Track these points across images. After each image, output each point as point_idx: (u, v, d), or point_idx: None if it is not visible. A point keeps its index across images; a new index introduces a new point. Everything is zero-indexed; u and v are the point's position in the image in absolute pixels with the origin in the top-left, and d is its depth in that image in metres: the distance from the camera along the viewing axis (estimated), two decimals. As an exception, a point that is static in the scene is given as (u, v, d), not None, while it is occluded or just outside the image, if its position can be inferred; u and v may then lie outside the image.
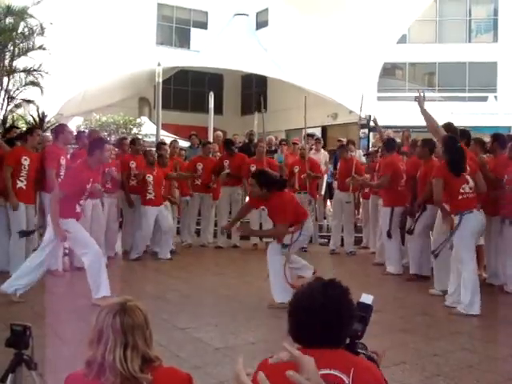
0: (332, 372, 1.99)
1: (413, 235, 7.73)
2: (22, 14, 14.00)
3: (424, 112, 6.81)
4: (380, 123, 10.56)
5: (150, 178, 9.40)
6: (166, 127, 18.49)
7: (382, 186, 8.69)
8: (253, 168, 10.42)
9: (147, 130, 19.49)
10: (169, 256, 9.48)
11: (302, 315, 2.08)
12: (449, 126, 7.17)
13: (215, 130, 15.05)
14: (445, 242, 6.35)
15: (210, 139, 14.07)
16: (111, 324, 2.04)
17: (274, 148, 13.15)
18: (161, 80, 15.40)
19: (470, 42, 25.44)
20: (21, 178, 7.61)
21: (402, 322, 5.72)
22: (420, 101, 6.85)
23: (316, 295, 2.08)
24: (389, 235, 8.28)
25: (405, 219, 8.17)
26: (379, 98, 23.18)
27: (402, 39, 23.37)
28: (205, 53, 26.17)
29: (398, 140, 11.26)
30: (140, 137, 12.18)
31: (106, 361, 2.00)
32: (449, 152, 6.28)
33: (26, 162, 7.62)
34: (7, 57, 14.18)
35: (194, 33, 28.42)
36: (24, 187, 7.63)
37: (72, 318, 5.66)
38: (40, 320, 5.24)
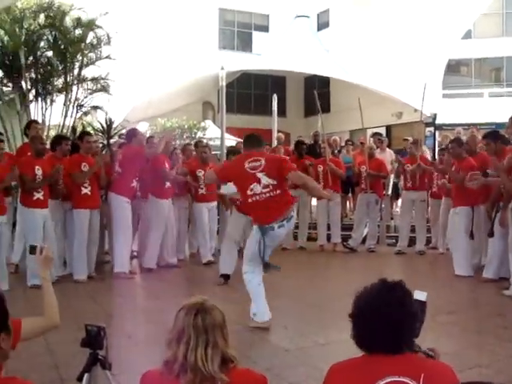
0: (401, 379, 1.94)
1: (493, 237, 7.43)
2: (90, 25, 14.41)
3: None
4: (446, 121, 10.29)
5: (201, 173, 9.26)
6: (230, 130, 18.61)
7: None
8: (320, 169, 10.43)
9: (211, 133, 19.68)
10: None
11: (366, 317, 2.04)
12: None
13: (279, 132, 15.04)
14: None
15: (274, 141, 14.07)
16: (193, 323, 2.06)
17: (339, 149, 13.07)
18: (224, 84, 15.50)
19: (539, 34, 24.60)
20: (85, 185, 7.74)
21: (476, 323, 5.55)
22: None
23: (379, 297, 2.04)
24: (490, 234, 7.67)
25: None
26: (444, 96, 22.68)
27: (467, 34, 22.81)
28: (267, 55, 26.23)
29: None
30: (205, 140, 12.30)
31: (188, 360, 2.02)
32: None
33: (85, 168, 7.76)
34: (76, 66, 14.62)
35: (256, 36, 28.55)
36: (89, 193, 7.78)
37: (142, 319, 5.77)
38: (111, 321, 5.36)
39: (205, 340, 2.04)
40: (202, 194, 9.30)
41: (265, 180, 5.15)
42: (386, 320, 1.98)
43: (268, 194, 5.14)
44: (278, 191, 5.16)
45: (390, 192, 12.33)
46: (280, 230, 5.22)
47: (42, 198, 7.31)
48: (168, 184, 8.62)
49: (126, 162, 8.06)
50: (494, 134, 7.47)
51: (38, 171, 7.29)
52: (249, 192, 5.18)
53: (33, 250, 2.91)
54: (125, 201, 7.97)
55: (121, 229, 7.98)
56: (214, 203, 9.52)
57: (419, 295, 2.25)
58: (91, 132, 11.28)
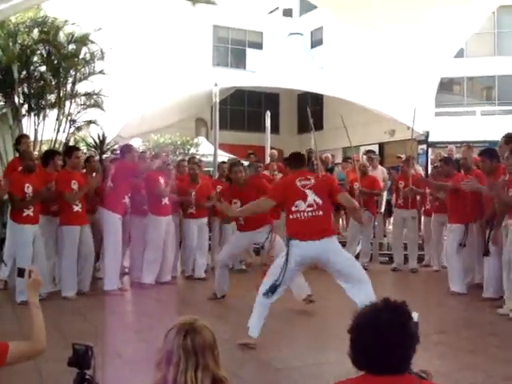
0: None
1: (489, 256, 7.39)
2: (83, 41, 14.43)
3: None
4: (439, 139, 10.34)
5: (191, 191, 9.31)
6: (223, 147, 18.63)
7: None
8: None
9: (204, 150, 19.67)
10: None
11: (365, 337, 2.00)
12: (508, 137, 6.99)
13: (272, 148, 15.06)
14: None
15: (267, 158, 14.06)
16: (182, 345, 2.01)
17: (330, 166, 13.05)
18: (217, 100, 15.54)
19: (530, 53, 24.79)
20: (76, 202, 7.63)
21: (469, 343, 5.49)
22: None
23: (379, 316, 2.00)
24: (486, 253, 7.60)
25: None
26: (437, 114, 22.78)
27: (460, 53, 22.95)
28: (261, 73, 26.33)
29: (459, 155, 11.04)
30: (198, 157, 12.27)
31: (178, 382, 1.97)
32: None
33: (75, 186, 7.66)
34: (69, 82, 14.62)
35: (250, 53, 28.66)
36: (80, 210, 7.68)
37: (132, 337, 5.69)
38: (101, 339, 5.28)
39: (195, 362, 1.99)
40: (191, 212, 9.34)
41: (311, 198, 5.10)
42: (387, 341, 1.94)
43: (310, 214, 5.08)
44: (321, 212, 5.07)
45: (383, 209, 12.31)
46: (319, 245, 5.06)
47: (32, 214, 7.23)
48: (165, 201, 8.57)
49: (117, 177, 8.01)
50: (490, 152, 7.48)
51: (28, 189, 7.20)
52: (293, 208, 5.13)
53: (21, 273, 2.85)
54: (116, 217, 7.90)
55: (111, 245, 7.91)
56: (204, 220, 9.52)
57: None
58: (80, 147, 11.20)
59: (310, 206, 5.09)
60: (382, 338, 1.94)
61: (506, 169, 6.72)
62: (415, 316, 2.21)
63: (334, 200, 5.29)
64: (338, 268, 5.16)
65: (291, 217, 5.18)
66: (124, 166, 8.14)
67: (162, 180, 8.59)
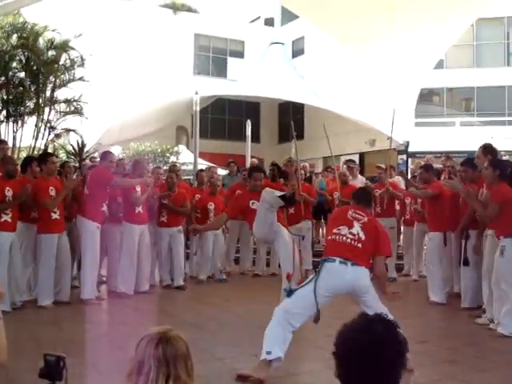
0: None
1: (468, 266, 7.41)
2: (63, 47, 14.31)
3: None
4: (418, 149, 10.40)
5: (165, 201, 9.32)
6: (203, 155, 18.58)
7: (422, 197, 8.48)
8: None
9: (185, 158, 19.61)
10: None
11: (348, 356, 1.89)
12: (489, 148, 7.04)
13: (252, 157, 15.04)
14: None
15: (248, 167, 14.03)
16: (153, 354, 1.95)
17: (308, 175, 13.04)
18: (198, 108, 15.49)
19: (508, 65, 25.11)
20: (54, 209, 7.52)
21: (448, 353, 5.48)
22: None
23: (361, 332, 1.92)
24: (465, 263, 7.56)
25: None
26: (417, 124, 22.96)
27: (439, 64, 23.17)
28: (242, 81, 26.36)
29: (438, 165, 11.10)
30: (178, 165, 12.20)
31: None
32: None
33: (52, 192, 7.56)
34: (49, 88, 14.48)
35: (231, 62, 28.70)
36: (58, 217, 7.57)
37: (108, 346, 5.60)
38: (75, 348, 5.19)
39: (166, 372, 1.93)
40: (163, 220, 9.31)
41: (356, 230, 4.86)
42: (365, 357, 1.86)
43: (349, 241, 4.80)
44: (360, 245, 4.76)
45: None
46: (340, 268, 4.68)
47: (9, 220, 7.10)
48: (139, 209, 8.50)
49: (93, 184, 7.93)
50: (472, 162, 7.53)
51: (8, 192, 7.08)
52: (335, 230, 4.92)
53: None
54: (94, 225, 7.80)
55: (89, 254, 7.81)
56: (176, 228, 9.44)
57: None
58: (58, 154, 11.10)
59: (351, 234, 4.84)
60: (373, 356, 1.86)
61: (484, 179, 6.75)
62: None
63: (373, 253, 4.91)
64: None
65: (329, 237, 4.99)
66: (99, 173, 8.07)
67: (138, 188, 8.51)
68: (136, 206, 8.43)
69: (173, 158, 20.50)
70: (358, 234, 4.84)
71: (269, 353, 4.49)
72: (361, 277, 4.70)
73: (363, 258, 4.79)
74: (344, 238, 4.83)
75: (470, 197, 6.63)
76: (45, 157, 8.10)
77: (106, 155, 8.42)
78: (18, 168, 7.94)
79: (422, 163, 11.48)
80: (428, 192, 8.24)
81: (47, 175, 7.69)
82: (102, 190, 8.00)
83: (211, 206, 9.92)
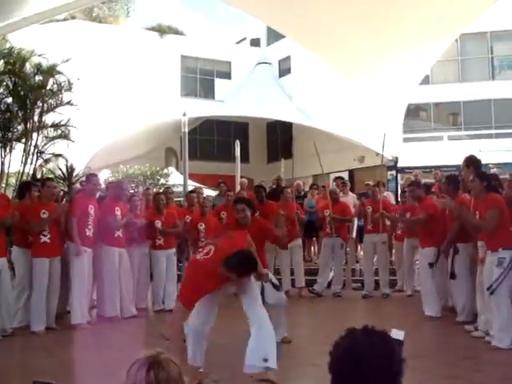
0: None
1: (456, 279, 7.44)
2: (50, 72, 14.28)
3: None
4: (407, 164, 10.48)
5: (158, 224, 9.30)
6: (193, 177, 18.54)
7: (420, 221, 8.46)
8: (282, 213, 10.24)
9: (174, 180, 19.55)
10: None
11: (343, 371, 1.83)
12: (472, 159, 7.10)
13: (242, 178, 15.02)
14: (501, 276, 6.09)
15: (237, 187, 14.01)
16: (145, 379, 1.89)
17: (302, 193, 13.05)
18: (187, 130, 15.48)
19: (493, 79, 25.33)
20: (44, 232, 7.53)
21: (445, 368, 5.44)
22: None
23: (357, 345, 1.88)
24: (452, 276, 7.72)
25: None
26: (405, 140, 23.05)
27: (425, 80, 23.35)
28: (229, 102, 26.41)
29: (428, 180, 11.15)
30: (171, 188, 12.14)
31: None
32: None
33: (45, 215, 7.55)
34: (36, 113, 14.42)
35: (218, 83, 28.76)
36: (48, 241, 7.55)
37: (99, 371, 5.51)
38: (67, 374, 5.11)
39: None
40: (160, 243, 9.27)
41: None
42: (362, 371, 1.81)
43: None
44: None
45: (354, 235, 12.30)
46: None
47: None
48: (118, 233, 8.43)
49: (75, 209, 7.90)
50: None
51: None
52: None
53: None
54: (82, 249, 7.74)
55: (77, 279, 7.75)
56: (172, 250, 9.45)
57: (396, 334, 2.12)
58: (52, 177, 11.04)
59: None
60: (358, 371, 1.82)
61: (471, 191, 6.77)
62: (401, 335, 2.12)
63: None
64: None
65: None
66: (79, 197, 8.14)
67: (118, 211, 8.46)
68: (115, 230, 8.37)
69: (162, 180, 20.44)
70: None
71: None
72: None
73: None
74: None
75: (465, 213, 6.64)
76: (43, 181, 8.17)
77: (90, 178, 8.43)
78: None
79: (413, 178, 11.54)
80: (424, 217, 8.21)
81: (46, 200, 7.72)
82: (84, 214, 7.93)
83: (201, 226, 9.86)
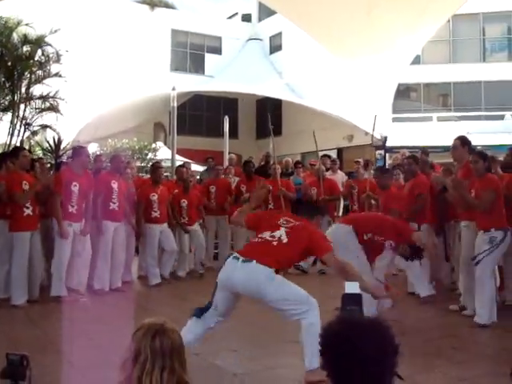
0: None
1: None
2: (38, 42, 14.11)
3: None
4: (396, 144, 10.47)
5: (154, 196, 9.23)
6: (181, 152, 18.47)
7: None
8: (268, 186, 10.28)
9: (163, 155, 19.50)
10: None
11: (338, 354, 1.82)
12: (466, 139, 7.11)
13: (230, 153, 14.98)
14: (488, 250, 6.17)
15: (226, 163, 13.99)
16: (150, 345, 1.96)
17: (290, 170, 13.03)
18: (175, 105, 15.38)
19: (484, 61, 25.33)
20: (27, 205, 7.38)
21: (426, 345, 5.50)
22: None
23: (351, 328, 1.86)
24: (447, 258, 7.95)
25: None
26: (394, 120, 23.08)
27: (416, 60, 23.30)
28: (219, 77, 26.29)
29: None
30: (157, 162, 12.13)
31: (142, 383, 1.92)
32: None
33: (26, 186, 7.39)
34: (24, 84, 14.27)
35: (208, 58, 28.60)
36: (31, 213, 7.42)
37: (85, 344, 5.53)
38: (53, 346, 5.13)
39: (161, 364, 1.95)
40: (156, 216, 9.19)
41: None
42: (356, 356, 1.80)
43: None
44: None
45: (340, 213, 12.31)
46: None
47: None
48: (113, 206, 8.39)
49: (57, 183, 7.70)
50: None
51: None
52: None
53: None
54: (66, 231, 7.60)
55: (57, 252, 7.68)
56: (165, 224, 9.41)
57: (351, 288, 2.13)
58: (26, 148, 10.85)
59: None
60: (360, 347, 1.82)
61: (473, 171, 6.73)
62: (355, 287, 2.12)
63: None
64: None
65: None
66: (63, 171, 8.04)
67: (115, 184, 8.41)
68: (111, 203, 8.33)
69: (150, 155, 20.39)
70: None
71: None
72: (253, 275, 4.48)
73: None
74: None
75: (462, 188, 6.62)
76: (16, 151, 7.94)
77: (79, 152, 8.11)
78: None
79: (407, 153, 11.49)
80: (419, 205, 8.11)
81: (20, 169, 7.54)
82: (66, 189, 7.71)
83: (184, 203, 9.84)
